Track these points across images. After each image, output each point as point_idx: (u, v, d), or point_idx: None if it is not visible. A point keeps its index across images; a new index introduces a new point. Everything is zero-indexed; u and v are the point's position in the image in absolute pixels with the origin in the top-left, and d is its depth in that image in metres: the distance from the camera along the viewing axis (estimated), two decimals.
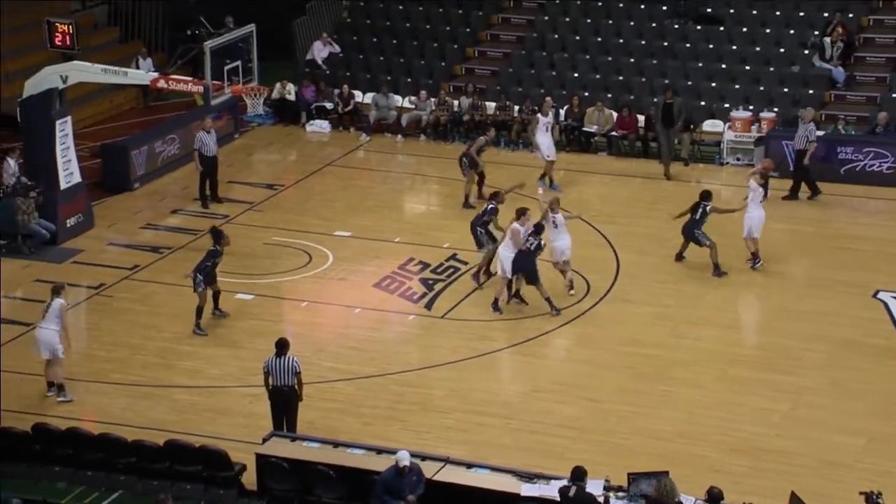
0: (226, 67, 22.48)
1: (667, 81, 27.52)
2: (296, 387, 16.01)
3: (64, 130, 22.54)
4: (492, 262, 20.48)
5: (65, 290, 17.90)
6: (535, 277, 19.62)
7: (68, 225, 22.71)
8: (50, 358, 17.36)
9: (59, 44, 22.42)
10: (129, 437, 15.85)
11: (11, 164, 22.87)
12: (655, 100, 26.78)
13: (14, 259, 21.82)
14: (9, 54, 28.23)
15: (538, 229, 19.86)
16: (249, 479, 15.32)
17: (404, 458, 14.07)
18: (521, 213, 19.75)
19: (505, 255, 19.67)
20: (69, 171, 22.74)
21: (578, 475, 13.68)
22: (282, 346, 16.08)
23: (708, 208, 20.98)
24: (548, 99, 25.91)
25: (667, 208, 22.30)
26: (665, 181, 25.29)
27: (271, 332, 18.25)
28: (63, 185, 22.62)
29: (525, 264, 19.59)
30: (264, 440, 15.48)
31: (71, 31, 22.26)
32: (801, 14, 28.89)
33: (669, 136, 25.44)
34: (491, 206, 20.76)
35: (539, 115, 25.07)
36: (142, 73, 24.57)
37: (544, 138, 24.60)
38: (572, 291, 20.19)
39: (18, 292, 20.95)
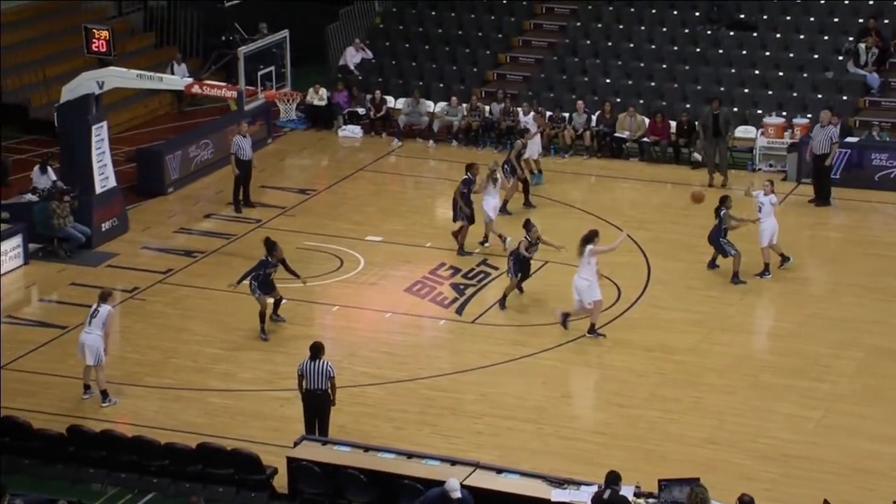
0: (259, 73, 22.56)
1: (699, 88, 27.47)
2: (329, 391, 16.06)
3: (100, 135, 22.72)
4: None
5: (112, 297, 17.94)
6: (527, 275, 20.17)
7: (103, 229, 22.87)
8: (95, 364, 17.40)
9: (96, 50, 22.62)
10: (162, 439, 15.98)
11: (49, 169, 23.09)
12: (687, 106, 26.77)
13: (50, 262, 22.03)
14: (47, 60, 28.53)
15: (528, 226, 20.12)
16: (281, 482, 15.40)
17: (455, 490, 13.72)
18: (595, 234, 19.09)
19: (584, 283, 18.94)
20: (104, 176, 22.92)
21: (613, 479, 13.70)
22: (317, 350, 16.13)
23: (723, 213, 20.87)
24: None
25: (698, 215, 22.23)
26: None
27: (303, 337, 18.35)
28: (98, 189, 22.80)
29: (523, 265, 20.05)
30: (296, 444, 15.55)
31: (108, 37, 22.46)
32: (836, 20, 28.74)
33: (720, 147, 25.28)
34: (467, 177, 21.88)
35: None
36: (176, 79, 24.73)
37: (532, 145, 24.91)
38: (487, 244, 22.08)
39: (54, 295, 21.16)
